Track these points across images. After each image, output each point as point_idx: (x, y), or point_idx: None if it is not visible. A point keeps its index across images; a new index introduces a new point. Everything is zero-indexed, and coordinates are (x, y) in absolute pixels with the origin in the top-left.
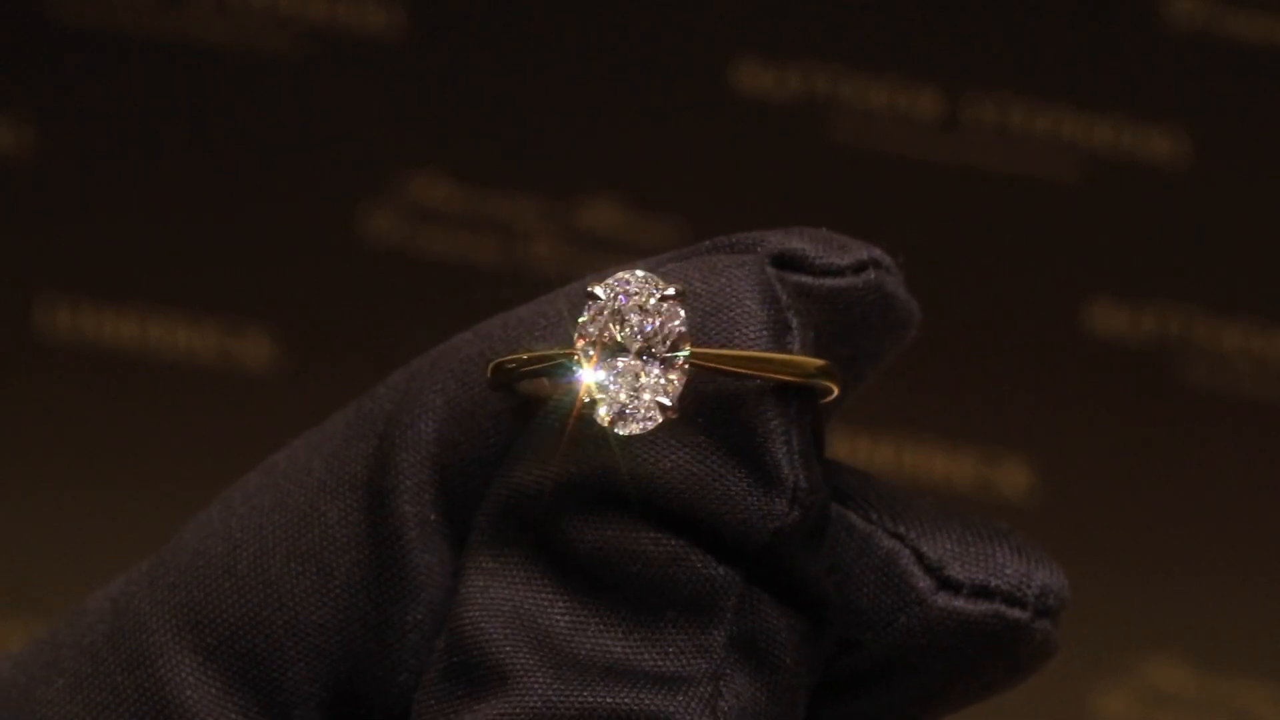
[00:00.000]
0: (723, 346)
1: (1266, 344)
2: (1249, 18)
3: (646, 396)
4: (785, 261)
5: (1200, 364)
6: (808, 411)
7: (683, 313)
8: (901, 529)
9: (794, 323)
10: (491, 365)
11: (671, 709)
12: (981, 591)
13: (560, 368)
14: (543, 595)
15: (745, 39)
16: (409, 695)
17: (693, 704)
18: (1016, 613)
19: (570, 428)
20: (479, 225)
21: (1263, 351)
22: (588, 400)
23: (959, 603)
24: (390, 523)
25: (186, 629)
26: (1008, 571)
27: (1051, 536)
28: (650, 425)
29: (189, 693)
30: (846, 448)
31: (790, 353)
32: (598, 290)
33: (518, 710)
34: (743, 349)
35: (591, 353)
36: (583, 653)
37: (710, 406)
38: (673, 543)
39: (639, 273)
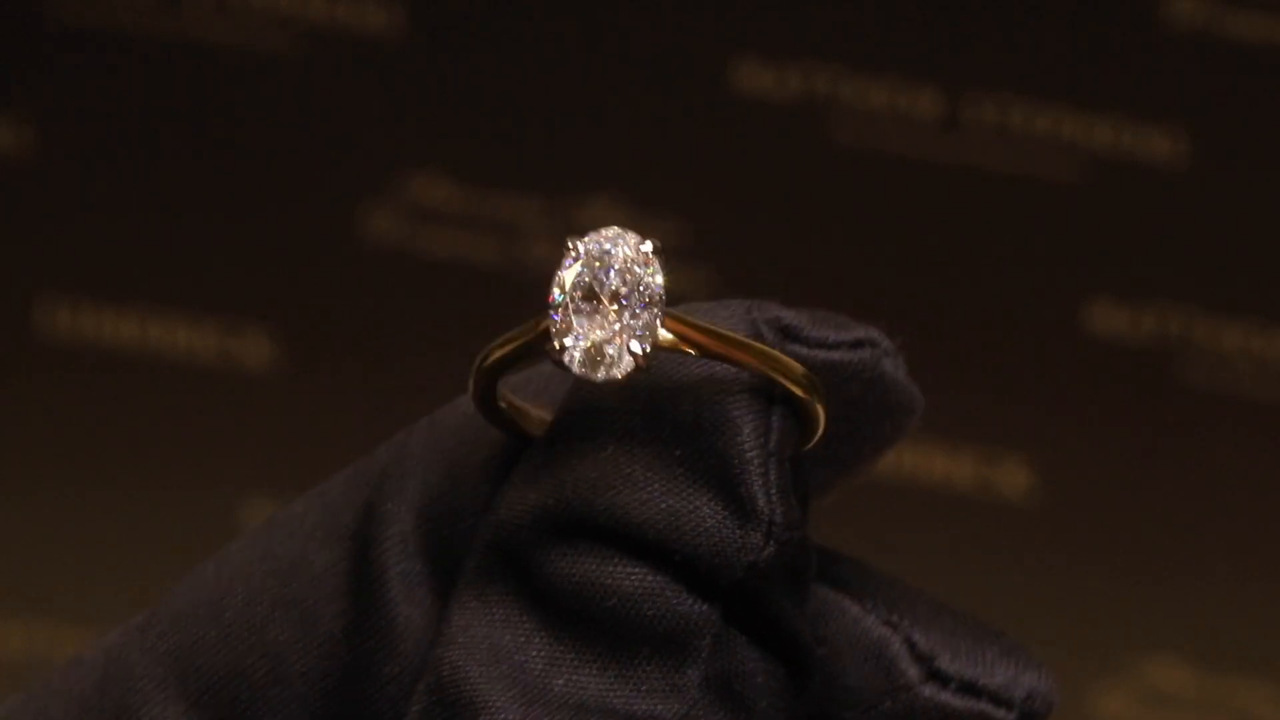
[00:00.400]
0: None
1: (1266, 344)
2: (1249, 18)
3: (618, 342)
4: (780, 328)
5: (1200, 364)
6: (787, 446)
7: (661, 270)
8: (895, 617)
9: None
10: (472, 371)
11: None
12: (969, 688)
13: (536, 343)
14: (520, 633)
15: (745, 39)
16: None
17: None
18: (1002, 713)
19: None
20: (479, 225)
21: (1263, 351)
22: (558, 346)
23: (945, 696)
24: (372, 573)
25: (173, 677)
26: (997, 672)
27: (1051, 536)
28: (622, 372)
29: None
30: None
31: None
32: (578, 244)
33: None
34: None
35: (566, 300)
36: (556, 690)
37: (687, 438)
38: (648, 577)
39: (617, 229)
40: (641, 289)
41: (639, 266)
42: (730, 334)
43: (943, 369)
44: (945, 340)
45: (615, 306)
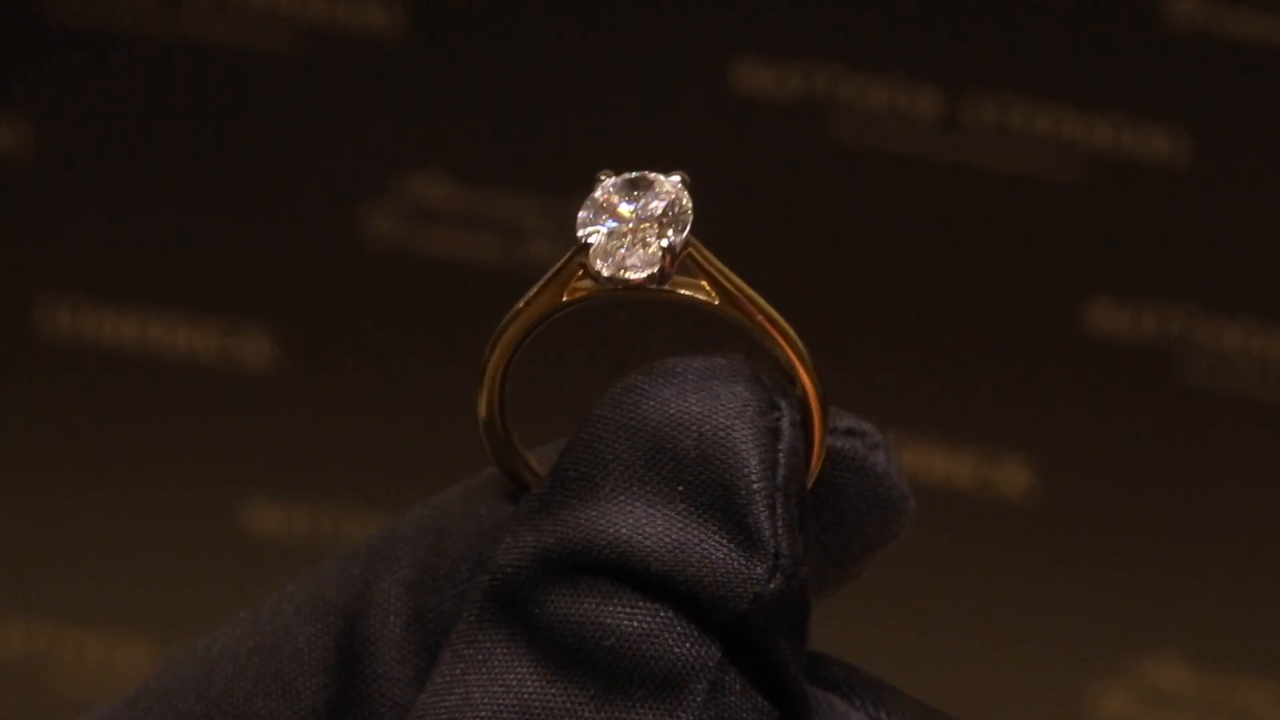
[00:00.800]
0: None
1: (1266, 344)
2: (1249, 18)
3: (643, 250)
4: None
5: (1200, 364)
6: (794, 482)
7: (689, 197)
8: (884, 714)
9: (783, 404)
10: (490, 342)
11: None
12: None
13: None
14: (512, 677)
15: (745, 39)
16: None
17: None
18: None
19: (564, 274)
20: (479, 225)
21: (1263, 351)
22: (583, 248)
23: None
24: (356, 646)
25: None
26: None
27: (1051, 536)
28: (647, 274)
29: None
30: None
31: (780, 440)
32: (608, 172)
33: None
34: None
35: (594, 215)
36: None
37: (691, 473)
38: (647, 615)
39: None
40: (673, 206)
41: (672, 186)
42: (754, 295)
43: (942, 368)
44: (945, 340)
45: (645, 213)
